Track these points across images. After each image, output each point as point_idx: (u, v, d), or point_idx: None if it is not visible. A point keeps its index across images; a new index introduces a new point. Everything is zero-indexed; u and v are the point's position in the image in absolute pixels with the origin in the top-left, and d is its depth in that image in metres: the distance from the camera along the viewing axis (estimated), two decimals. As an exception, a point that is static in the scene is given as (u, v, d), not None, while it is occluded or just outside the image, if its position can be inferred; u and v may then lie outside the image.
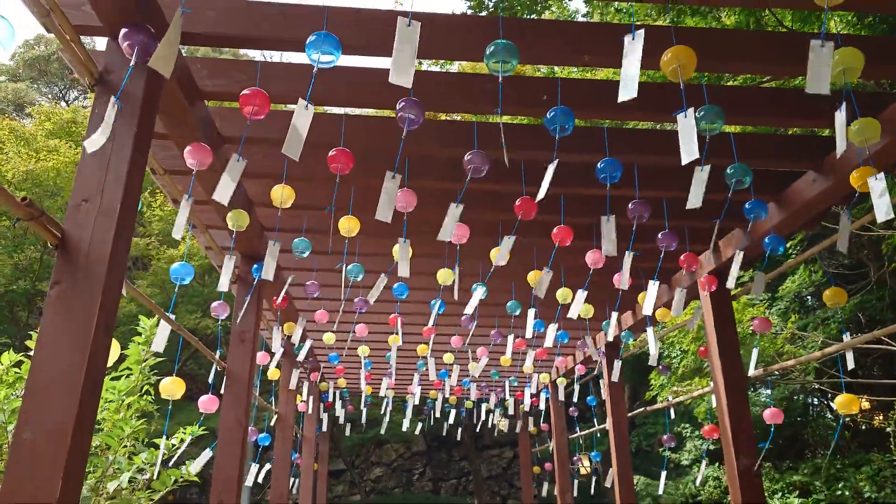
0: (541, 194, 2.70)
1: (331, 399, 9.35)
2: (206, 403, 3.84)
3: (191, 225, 4.33)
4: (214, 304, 4.10)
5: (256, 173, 3.72)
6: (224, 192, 2.55)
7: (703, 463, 5.94)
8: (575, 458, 8.86)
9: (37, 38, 25.34)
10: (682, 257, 4.11)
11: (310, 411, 7.83)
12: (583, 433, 8.44)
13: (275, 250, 3.76)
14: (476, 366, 7.15)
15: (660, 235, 3.67)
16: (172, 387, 3.24)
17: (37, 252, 12.16)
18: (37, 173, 11.33)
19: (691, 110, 2.34)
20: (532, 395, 9.46)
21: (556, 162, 2.70)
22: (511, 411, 8.22)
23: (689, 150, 2.34)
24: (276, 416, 6.35)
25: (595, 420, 7.50)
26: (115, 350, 2.40)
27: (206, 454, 3.98)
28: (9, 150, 11.87)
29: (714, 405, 5.06)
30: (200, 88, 2.91)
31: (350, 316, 6.19)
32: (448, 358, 6.71)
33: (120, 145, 2.18)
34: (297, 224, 4.37)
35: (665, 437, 5.58)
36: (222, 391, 4.15)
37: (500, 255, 3.58)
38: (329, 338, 5.98)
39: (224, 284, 3.34)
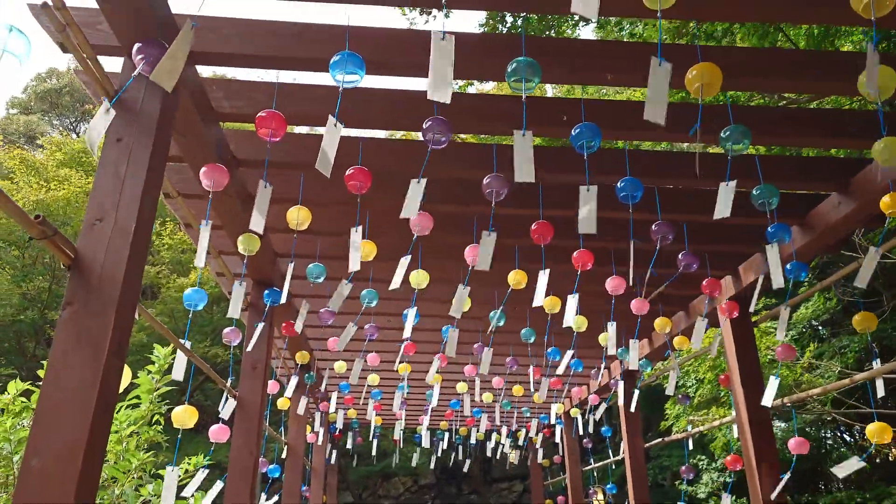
0: (589, 229, 2.61)
1: (339, 430, 9.19)
2: (217, 433, 3.75)
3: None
4: (226, 330, 4.02)
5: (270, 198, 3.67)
6: (258, 221, 2.51)
7: (727, 499, 5.71)
8: (591, 491, 8.67)
9: (49, 71, 25.70)
10: (704, 282, 4.02)
11: (319, 441, 7.69)
12: (597, 465, 8.26)
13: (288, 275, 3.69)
14: (490, 395, 7.04)
15: (680, 256, 3.59)
16: (184, 415, 3.15)
17: (45, 282, 12.16)
18: (47, 203, 11.38)
19: (733, 183, 2.38)
20: (545, 427, 9.30)
21: (594, 188, 2.64)
22: (523, 442, 8.07)
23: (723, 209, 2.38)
24: (285, 447, 6.23)
25: (610, 451, 7.34)
26: (126, 376, 2.33)
27: (218, 486, 3.87)
28: (19, 180, 11.93)
29: (736, 435, 4.92)
30: (216, 110, 2.88)
31: (361, 343, 6.10)
32: (461, 387, 6.60)
33: (135, 164, 2.13)
34: (311, 249, 4.31)
35: (683, 468, 5.43)
36: (218, 415, 4.06)
37: (537, 297, 3.52)
38: (340, 366, 5.89)
39: (235, 311, 3.27)
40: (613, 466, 7.56)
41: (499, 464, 19.31)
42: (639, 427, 6.42)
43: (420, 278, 3.90)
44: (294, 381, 5.74)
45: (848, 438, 13.52)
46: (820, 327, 10.91)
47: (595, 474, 8.22)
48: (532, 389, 5.79)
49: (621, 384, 5.84)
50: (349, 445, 9.62)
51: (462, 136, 10.35)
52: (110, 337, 1.91)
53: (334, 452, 9.52)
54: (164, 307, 13.00)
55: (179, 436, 4.64)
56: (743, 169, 3.41)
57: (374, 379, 6.36)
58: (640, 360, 5.82)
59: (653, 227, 3.31)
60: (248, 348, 4.08)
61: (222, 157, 2.98)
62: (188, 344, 3.28)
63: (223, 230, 3.81)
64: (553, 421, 8.14)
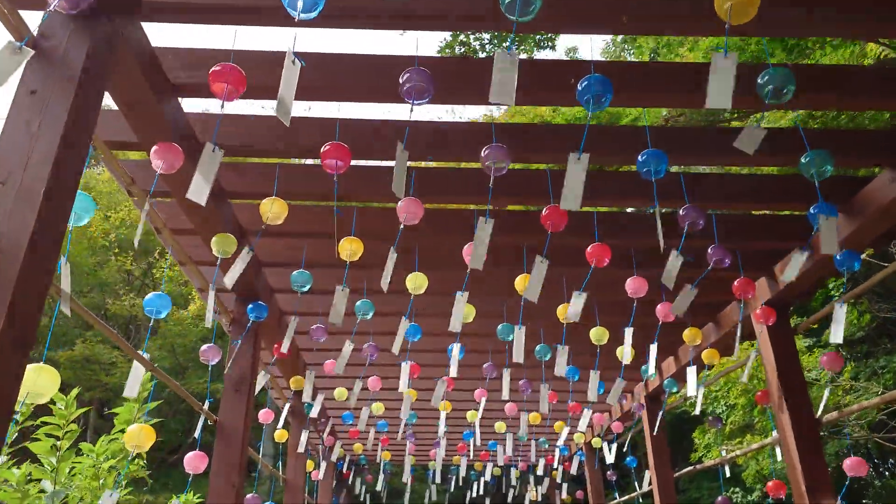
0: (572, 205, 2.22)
1: (346, 469, 8.68)
2: (193, 461, 3.31)
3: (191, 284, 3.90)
4: (204, 347, 3.62)
5: (251, 193, 3.31)
6: (199, 189, 2.12)
7: None
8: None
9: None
10: (735, 283, 3.57)
11: (321, 476, 7.19)
12: (623, 499, 7.66)
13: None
14: (503, 425, 6.54)
15: (710, 250, 3.16)
16: (139, 436, 2.71)
17: (46, 320, 11.88)
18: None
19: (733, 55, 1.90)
20: (564, 460, 8.72)
21: (586, 156, 2.24)
22: (544, 473, 7.51)
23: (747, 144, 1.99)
24: (283, 483, 5.76)
25: (636, 483, 6.78)
26: (50, 380, 1.92)
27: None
28: None
29: (772, 460, 4.40)
30: (172, 81, 2.52)
31: (360, 368, 5.66)
32: (471, 416, 6.11)
33: (51, 119, 1.76)
34: (297, 257, 3.91)
35: (720, 499, 4.90)
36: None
37: (570, 311, 3.15)
38: (341, 393, 5.45)
39: (208, 319, 2.87)
40: (640, 500, 6.97)
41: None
42: (667, 456, 5.88)
43: (418, 282, 3.49)
44: (287, 408, 5.30)
45: (886, 470, 12.77)
46: (854, 343, 10.28)
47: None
48: (548, 415, 5.30)
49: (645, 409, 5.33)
50: (357, 485, 9.09)
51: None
52: (3, 324, 1.51)
53: (343, 491, 8.98)
54: (163, 342, 12.62)
55: (164, 472, 4.17)
56: (779, 144, 2.99)
57: (378, 408, 5.90)
58: (665, 379, 5.33)
59: (680, 211, 2.89)
60: (228, 367, 3.66)
61: (183, 138, 2.61)
62: (147, 355, 2.87)
63: (198, 235, 3.42)
64: (574, 452, 7.60)
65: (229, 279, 2.81)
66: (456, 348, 3.82)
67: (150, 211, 3.14)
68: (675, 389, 5.23)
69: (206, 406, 3.56)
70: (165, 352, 12.53)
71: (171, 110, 2.51)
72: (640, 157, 2.49)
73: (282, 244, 3.96)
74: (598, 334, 4.09)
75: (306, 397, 4.92)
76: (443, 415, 5.76)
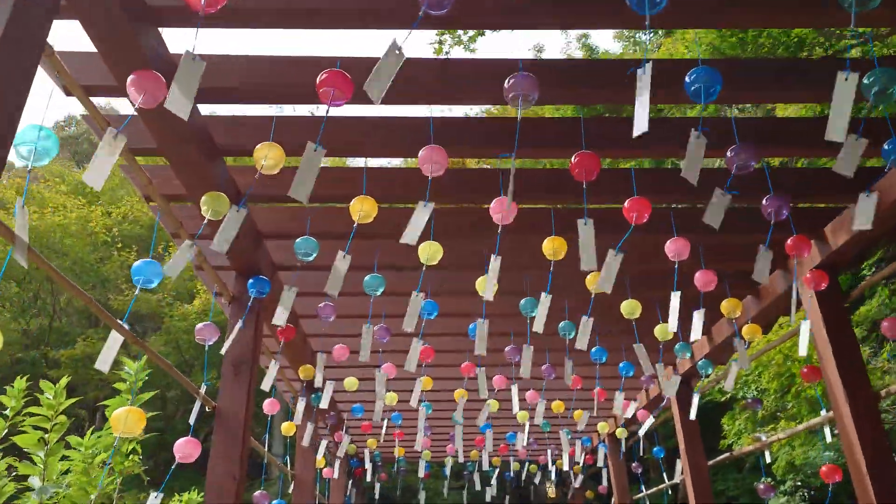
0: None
1: (360, 466, 8.33)
2: (184, 448, 2.97)
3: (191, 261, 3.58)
4: (200, 326, 3.30)
5: (246, 150, 2.98)
6: (178, 101, 1.79)
7: None
8: (643, 523, 7.68)
9: (68, 119, 25.74)
10: (788, 242, 3.21)
11: (335, 475, 6.85)
12: (650, 492, 7.29)
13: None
14: (525, 414, 6.18)
15: (765, 201, 2.81)
16: (128, 420, 2.37)
17: (46, 319, 11.59)
18: (41, 230, 10.83)
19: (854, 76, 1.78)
20: (587, 452, 8.36)
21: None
22: (568, 468, 7.13)
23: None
24: (291, 478, 5.43)
25: (664, 475, 6.42)
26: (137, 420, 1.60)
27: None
28: (13, 209, 11.47)
29: (828, 439, 4.04)
30: (148, 3, 2.19)
31: (373, 357, 5.32)
32: (493, 405, 5.76)
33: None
34: (301, 228, 3.58)
35: (762, 486, 4.53)
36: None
37: (603, 276, 2.80)
38: (351, 383, 5.11)
39: (173, 268, 2.54)
40: (669, 492, 6.60)
41: (537, 502, 18.16)
42: (700, 444, 5.51)
43: (432, 252, 3.15)
44: (302, 404, 4.98)
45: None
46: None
47: (647, 502, 7.24)
48: (573, 391, 4.96)
49: (675, 382, 4.96)
50: (372, 482, 8.75)
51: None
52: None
53: (354, 491, 8.64)
54: (168, 337, 12.31)
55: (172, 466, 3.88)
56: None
57: (391, 398, 5.56)
58: (699, 360, 4.97)
59: (728, 152, 2.54)
60: (225, 347, 3.33)
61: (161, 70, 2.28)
62: (127, 326, 2.54)
63: (188, 200, 3.10)
64: (597, 445, 7.24)
65: (219, 241, 2.48)
66: (483, 326, 3.46)
67: (134, 168, 2.81)
68: (709, 371, 4.86)
69: (203, 390, 3.23)
70: (171, 348, 12.22)
71: (148, 39, 2.19)
72: (688, 77, 2.15)
73: (284, 214, 3.64)
74: (630, 307, 3.75)
75: (317, 383, 4.61)
76: (461, 404, 5.41)
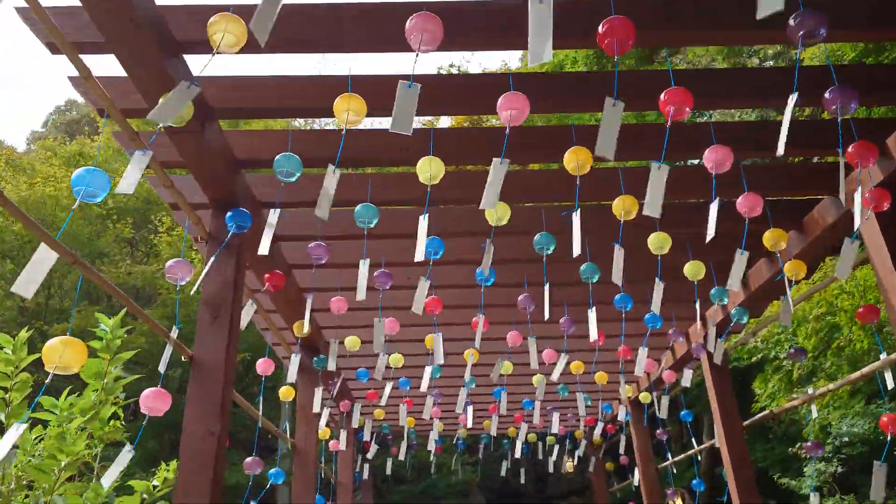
0: None
1: (368, 440, 7.93)
2: (151, 401, 2.56)
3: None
4: (171, 263, 2.88)
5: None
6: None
7: (815, 498, 4.29)
8: (669, 492, 7.26)
9: (68, 103, 25.40)
10: (850, 149, 2.73)
11: (342, 446, 6.46)
12: (678, 458, 6.86)
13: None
14: (540, 379, 5.76)
15: (828, 94, 2.34)
16: (63, 352, 1.94)
17: (41, 297, 11.24)
18: (31, 202, 10.43)
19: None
20: (607, 422, 7.94)
21: None
22: (585, 438, 6.70)
23: None
24: (292, 449, 5.04)
25: (694, 441, 5.98)
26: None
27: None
28: (2, 180, 11.03)
29: (890, 384, 3.58)
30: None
31: (373, 314, 4.89)
32: (506, 368, 5.34)
33: None
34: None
35: (809, 444, 4.10)
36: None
37: (649, 199, 2.34)
38: (353, 342, 4.70)
39: (128, 184, 2.11)
40: (699, 458, 6.16)
41: (553, 479, 17.81)
42: (734, 405, 5.07)
43: (434, 169, 2.70)
44: (295, 362, 4.56)
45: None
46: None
47: (674, 471, 6.82)
48: (597, 346, 4.53)
49: (716, 337, 4.51)
50: (379, 457, 8.38)
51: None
52: None
53: (366, 467, 8.27)
54: (164, 310, 11.92)
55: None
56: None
57: (396, 360, 5.15)
58: (732, 309, 4.51)
59: (790, 20, 2.08)
60: (195, 289, 2.91)
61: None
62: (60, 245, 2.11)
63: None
64: (619, 412, 6.79)
65: (160, 112, 2.02)
66: (489, 247, 3.01)
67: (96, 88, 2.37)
68: (744, 320, 4.41)
69: (174, 334, 2.81)
70: (166, 320, 11.84)
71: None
72: None
73: (263, 138, 3.20)
74: (658, 241, 3.30)
75: (305, 329, 4.19)
76: (470, 363, 4.99)
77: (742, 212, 2.92)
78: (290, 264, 4.24)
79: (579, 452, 7.93)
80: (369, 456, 7.18)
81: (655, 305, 3.39)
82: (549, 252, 3.50)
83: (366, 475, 8.16)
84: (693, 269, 3.36)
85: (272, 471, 4.67)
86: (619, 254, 3.15)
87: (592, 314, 3.88)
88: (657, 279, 3.41)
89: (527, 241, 4.47)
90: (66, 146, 14.39)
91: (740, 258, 3.17)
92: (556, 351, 5.03)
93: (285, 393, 4.91)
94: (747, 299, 4.53)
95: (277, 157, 2.62)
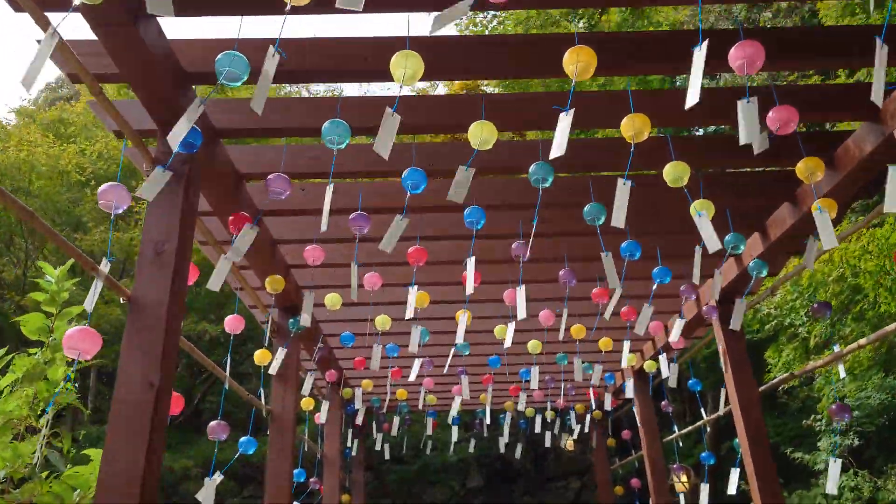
0: None
1: (359, 413, 7.53)
2: (76, 340, 2.13)
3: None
4: (104, 186, 2.46)
5: None
6: None
7: (834, 464, 3.92)
8: (675, 467, 6.88)
9: (60, 80, 24.85)
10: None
11: (322, 419, 6.06)
12: (686, 430, 6.47)
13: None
14: (538, 344, 5.35)
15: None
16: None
17: (20, 269, 10.78)
18: (3, 167, 9.93)
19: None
20: (613, 393, 7.54)
21: None
22: (587, 412, 6.27)
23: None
24: (267, 416, 4.63)
25: (703, 411, 5.58)
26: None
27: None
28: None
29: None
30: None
31: (349, 257, 4.46)
32: (499, 331, 4.93)
33: None
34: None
35: (834, 406, 3.70)
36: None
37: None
38: (333, 300, 4.30)
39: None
40: (707, 429, 5.77)
41: (552, 459, 17.50)
42: (749, 371, 4.66)
43: (486, 133, 2.32)
44: (269, 322, 4.17)
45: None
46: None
47: (680, 444, 6.44)
48: (606, 302, 4.12)
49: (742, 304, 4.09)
50: (370, 436, 7.99)
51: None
52: None
53: (355, 442, 7.89)
54: None
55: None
56: None
57: (383, 321, 4.73)
58: (751, 262, 4.09)
59: None
60: (119, 208, 2.48)
61: None
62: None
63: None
64: (628, 382, 6.40)
65: None
66: (468, 173, 2.60)
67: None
68: (763, 273, 3.99)
69: (104, 267, 2.38)
70: None
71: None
72: None
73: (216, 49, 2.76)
74: (675, 172, 2.88)
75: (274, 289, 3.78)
76: (462, 325, 4.57)
77: (773, 127, 2.49)
78: (260, 209, 3.81)
79: (583, 426, 7.55)
80: (358, 422, 6.77)
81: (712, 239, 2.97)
82: (601, 223, 3.16)
83: (355, 451, 7.78)
84: (675, 171, 2.86)
85: (243, 439, 4.27)
86: (623, 190, 2.73)
87: (609, 260, 3.46)
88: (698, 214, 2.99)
89: (520, 185, 4.07)
90: (45, 112, 13.85)
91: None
92: (552, 312, 4.62)
93: (261, 357, 4.51)
94: (767, 250, 4.11)
95: (219, 56, 2.19)
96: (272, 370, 4.58)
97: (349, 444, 8.03)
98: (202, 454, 10.80)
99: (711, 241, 2.86)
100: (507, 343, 4.44)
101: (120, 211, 2.45)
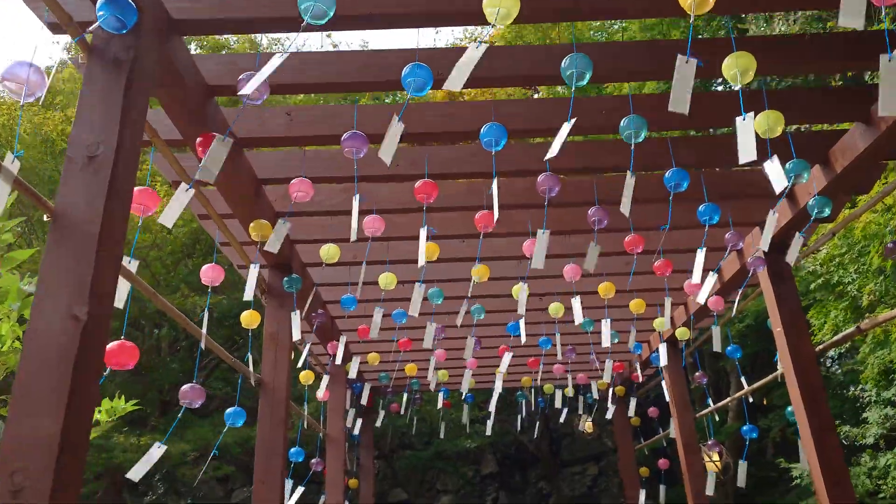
0: None
1: (363, 392, 6.99)
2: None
3: None
4: (11, 63, 1.92)
5: None
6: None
7: None
8: (710, 443, 6.31)
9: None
10: None
11: (320, 394, 5.53)
12: (724, 402, 5.88)
13: None
14: (559, 307, 4.77)
15: None
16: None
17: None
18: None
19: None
20: (643, 364, 6.97)
21: None
22: (610, 388, 5.70)
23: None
24: (256, 385, 4.10)
25: (742, 380, 4.99)
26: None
27: None
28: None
29: None
30: None
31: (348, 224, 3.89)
32: (515, 291, 4.37)
33: None
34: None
35: (890, 244, 3.16)
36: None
37: None
38: (329, 252, 3.75)
39: None
40: (750, 399, 5.18)
41: (568, 444, 16.95)
42: (804, 324, 4.10)
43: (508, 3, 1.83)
44: (253, 275, 3.62)
45: None
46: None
47: (716, 419, 5.86)
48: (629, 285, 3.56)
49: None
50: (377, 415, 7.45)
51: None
52: None
53: (358, 422, 7.34)
54: (138, 254, 10.95)
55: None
56: None
57: (388, 280, 4.19)
58: (812, 198, 3.49)
59: None
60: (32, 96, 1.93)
61: None
62: None
63: None
64: (660, 350, 5.81)
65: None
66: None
67: None
68: (826, 212, 3.39)
69: (11, 164, 1.84)
70: (141, 268, 10.81)
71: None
72: None
73: None
74: (768, 121, 2.32)
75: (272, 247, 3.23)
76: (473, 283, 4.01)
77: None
78: (239, 138, 3.25)
79: (606, 404, 6.98)
80: (362, 401, 6.23)
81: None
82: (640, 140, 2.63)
83: (357, 430, 7.24)
84: (739, 63, 2.27)
85: (229, 410, 3.74)
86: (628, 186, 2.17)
87: (630, 179, 2.88)
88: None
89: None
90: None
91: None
92: (577, 266, 4.04)
93: (248, 319, 3.97)
94: (831, 184, 3.52)
95: None
96: (296, 336, 4.04)
97: (350, 425, 7.48)
98: (202, 438, 10.34)
99: (746, 149, 2.30)
100: (521, 309, 3.85)
101: (34, 98, 1.91)
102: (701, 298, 3.85)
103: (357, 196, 2.96)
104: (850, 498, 3.66)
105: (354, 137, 2.74)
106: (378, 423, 7.11)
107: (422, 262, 3.27)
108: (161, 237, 10.76)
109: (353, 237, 2.93)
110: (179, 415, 4.19)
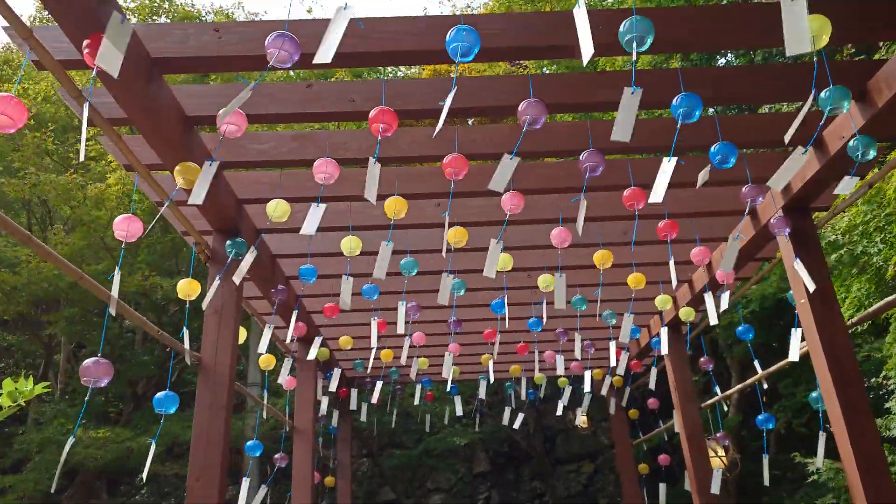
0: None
1: (335, 382, 6.39)
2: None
3: None
4: None
5: None
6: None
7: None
8: (719, 435, 5.74)
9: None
10: None
11: (282, 379, 4.94)
12: (735, 390, 5.30)
13: None
14: (549, 279, 4.18)
15: None
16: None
17: None
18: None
19: None
20: (640, 352, 6.42)
21: None
22: (606, 375, 5.08)
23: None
24: (195, 362, 3.51)
25: (756, 363, 4.42)
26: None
27: None
28: None
29: None
30: None
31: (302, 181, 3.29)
32: (505, 260, 3.81)
33: None
34: None
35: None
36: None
37: None
38: (277, 210, 3.17)
39: None
40: (765, 385, 4.61)
41: (562, 441, 16.39)
42: (834, 298, 3.53)
43: None
44: (267, 335, 3.03)
45: None
46: None
47: (725, 408, 5.29)
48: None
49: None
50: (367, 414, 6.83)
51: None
52: None
53: (335, 413, 6.76)
54: (84, 230, 10.17)
55: None
56: None
57: (352, 245, 3.60)
58: (853, 140, 2.92)
59: None
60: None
61: None
62: None
63: None
64: (661, 333, 5.26)
65: None
66: None
67: None
68: (869, 156, 2.81)
69: None
70: (80, 237, 10.03)
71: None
72: None
73: None
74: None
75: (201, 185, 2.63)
76: (451, 251, 3.42)
77: None
78: (155, 59, 2.66)
79: (600, 393, 6.41)
80: (332, 388, 5.62)
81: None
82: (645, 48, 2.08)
83: (335, 422, 6.65)
84: None
85: (159, 395, 3.15)
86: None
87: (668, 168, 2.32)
88: None
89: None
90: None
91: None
92: (567, 229, 3.47)
93: (186, 288, 3.38)
94: (872, 119, 2.95)
95: None
96: (204, 304, 3.49)
97: (323, 415, 6.83)
98: (169, 434, 9.71)
99: (797, 38, 1.76)
100: (489, 272, 3.20)
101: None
102: (726, 267, 3.32)
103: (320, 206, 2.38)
104: (885, 482, 3.12)
105: (282, 37, 2.17)
106: (363, 418, 6.48)
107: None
108: (118, 212, 10.07)
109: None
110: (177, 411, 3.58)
